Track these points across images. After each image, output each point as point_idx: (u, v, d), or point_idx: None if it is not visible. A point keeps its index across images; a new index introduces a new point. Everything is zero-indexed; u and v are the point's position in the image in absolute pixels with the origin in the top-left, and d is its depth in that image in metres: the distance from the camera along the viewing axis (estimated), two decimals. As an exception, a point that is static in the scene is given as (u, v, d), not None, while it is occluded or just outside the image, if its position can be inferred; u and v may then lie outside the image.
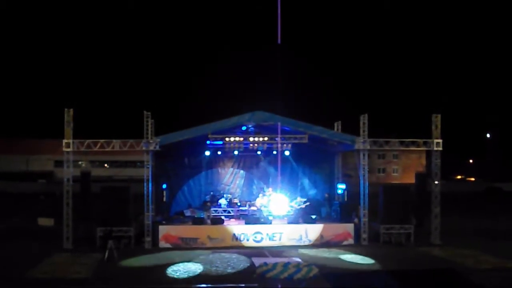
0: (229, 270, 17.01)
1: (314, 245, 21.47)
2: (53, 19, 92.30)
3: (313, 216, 23.24)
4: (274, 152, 25.43)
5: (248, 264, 17.79)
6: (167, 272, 16.75)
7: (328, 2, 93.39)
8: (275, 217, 23.62)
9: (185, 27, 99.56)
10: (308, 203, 24.57)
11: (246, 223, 22.28)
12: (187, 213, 24.76)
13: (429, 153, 25.36)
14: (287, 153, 25.26)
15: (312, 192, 26.91)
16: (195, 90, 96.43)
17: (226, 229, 21.82)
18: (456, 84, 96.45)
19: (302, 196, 25.62)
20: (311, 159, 26.87)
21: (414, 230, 22.19)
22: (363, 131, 22.05)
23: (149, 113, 21.35)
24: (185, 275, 16.37)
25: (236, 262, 18.17)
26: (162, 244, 21.11)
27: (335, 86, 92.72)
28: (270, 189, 25.91)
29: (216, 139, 22.95)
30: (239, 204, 25.54)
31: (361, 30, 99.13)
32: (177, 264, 17.75)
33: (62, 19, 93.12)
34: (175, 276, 16.25)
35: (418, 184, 23.23)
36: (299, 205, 24.41)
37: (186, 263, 17.94)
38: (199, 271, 16.94)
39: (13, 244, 21.83)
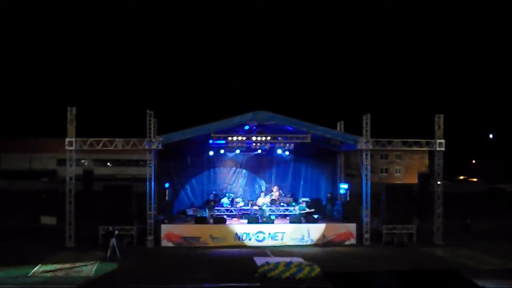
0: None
1: (316, 245, 21.47)
2: (55, 18, 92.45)
3: (315, 216, 23.22)
4: (279, 151, 25.34)
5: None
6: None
7: (332, 2, 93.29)
8: None
9: (188, 24, 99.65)
10: (313, 210, 23.87)
11: (248, 223, 22.28)
12: (190, 212, 24.71)
13: (431, 154, 25.25)
14: (287, 153, 25.25)
15: (314, 191, 26.83)
16: (198, 89, 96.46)
17: (228, 229, 21.82)
18: (459, 84, 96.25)
19: (304, 196, 25.57)
20: (313, 159, 26.83)
21: (416, 230, 22.16)
22: (366, 131, 22.03)
23: (152, 112, 21.36)
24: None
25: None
26: (165, 243, 21.13)
27: (338, 86, 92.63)
28: (276, 187, 25.88)
29: (218, 138, 22.97)
30: (241, 203, 25.52)
31: (364, 30, 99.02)
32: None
33: (65, 18, 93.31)
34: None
35: (420, 184, 23.19)
36: (303, 210, 23.90)
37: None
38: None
39: (16, 243, 21.86)
